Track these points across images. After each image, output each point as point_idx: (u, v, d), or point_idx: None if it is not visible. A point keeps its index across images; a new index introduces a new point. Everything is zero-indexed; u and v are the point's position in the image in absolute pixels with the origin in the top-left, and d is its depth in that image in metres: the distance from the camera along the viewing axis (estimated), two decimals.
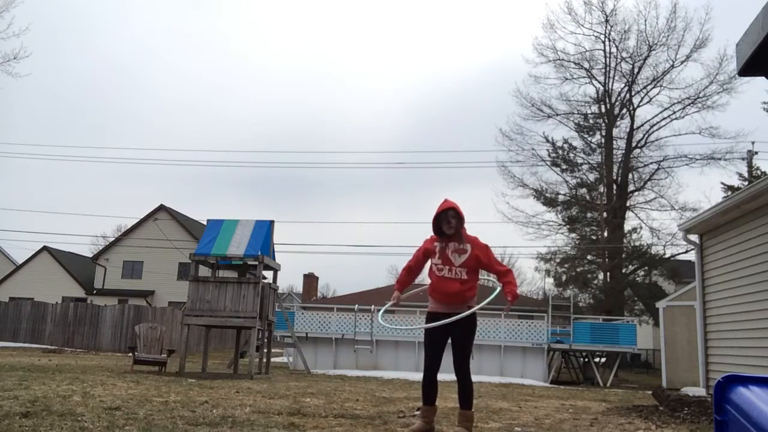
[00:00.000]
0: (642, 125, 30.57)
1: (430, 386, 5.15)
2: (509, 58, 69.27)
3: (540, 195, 30.85)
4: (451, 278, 4.99)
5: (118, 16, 74.88)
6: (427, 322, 5.06)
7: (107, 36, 76.65)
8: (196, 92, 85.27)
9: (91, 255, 42.99)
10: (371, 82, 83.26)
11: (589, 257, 30.25)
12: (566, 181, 31.09)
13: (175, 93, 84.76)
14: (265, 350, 14.11)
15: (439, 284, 5.01)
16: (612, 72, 30.58)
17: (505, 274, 5.16)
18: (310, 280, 39.12)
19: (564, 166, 30.85)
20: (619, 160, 30.55)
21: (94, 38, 76.21)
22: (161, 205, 38.89)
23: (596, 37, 30.62)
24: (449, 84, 76.53)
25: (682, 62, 29.35)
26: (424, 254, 5.17)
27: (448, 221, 5.04)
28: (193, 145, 78.25)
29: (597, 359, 20.45)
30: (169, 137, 75.96)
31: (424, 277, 5.59)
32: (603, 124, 30.83)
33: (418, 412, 6.28)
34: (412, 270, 5.27)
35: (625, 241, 29.30)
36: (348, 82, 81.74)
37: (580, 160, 30.90)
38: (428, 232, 5.22)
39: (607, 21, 30.25)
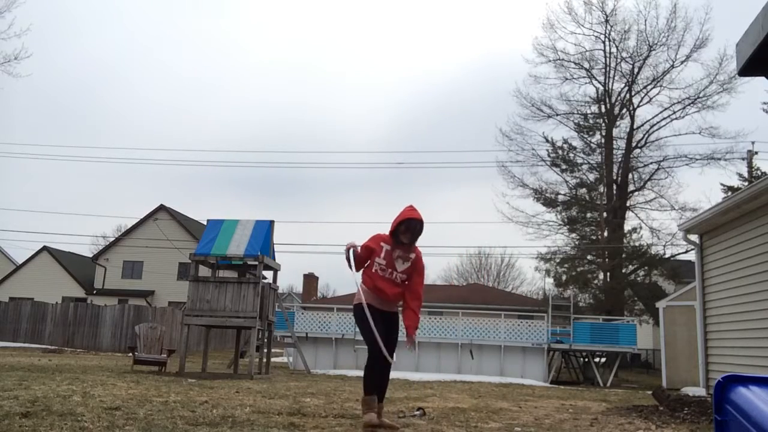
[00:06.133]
0: (642, 125, 30.61)
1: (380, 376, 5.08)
2: (506, 57, 69.28)
3: (540, 195, 30.90)
4: (391, 281, 5.05)
5: (111, 16, 74.90)
6: (368, 312, 4.93)
7: (102, 36, 76.68)
8: (195, 92, 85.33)
9: (91, 255, 42.98)
10: (368, 79, 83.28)
11: (589, 257, 30.26)
12: (566, 181, 31.15)
13: (173, 93, 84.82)
14: (265, 350, 14.11)
15: (381, 284, 5.03)
16: (612, 72, 30.62)
17: (418, 298, 5.15)
18: (310, 280, 39.14)
19: (564, 166, 30.87)
20: (619, 160, 30.56)
21: (89, 39, 76.25)
22: (161, 205, 38.87)
23: (596, 37, 30.67)
24: (447, 81, 76.54)
25: (682, 62, 29.40)
26: (366, 252, 5.10)
27: (412, 233, 5.06)
28: (192, 145, 78.29)
29: (597, 359, 20.46)
30: (168, 137, 75.97)
31: None
32: (603, 124, 30.84)
33: (418, 412, 6.29)
34: (362, 260, 5.16)
35: (625, 241, 29.30)
36: (346, 80, 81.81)
37: (580, 160, 30.95)
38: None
39: (607, 21, 30.28)
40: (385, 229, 5.21)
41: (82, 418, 4.81)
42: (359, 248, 5.09)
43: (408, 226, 5.03)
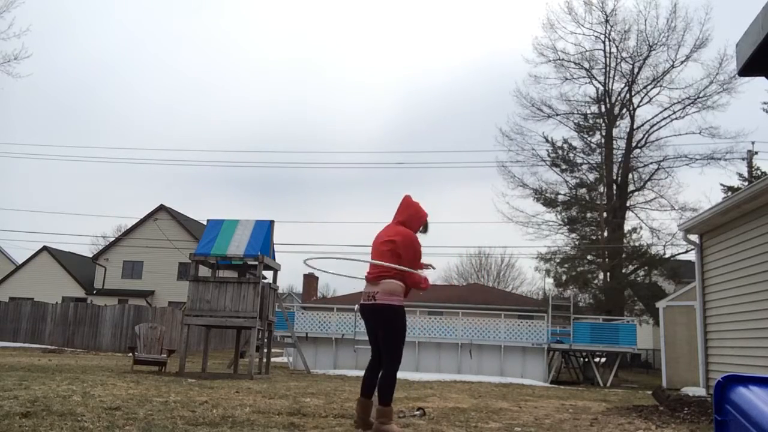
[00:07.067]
0: (642, 125, 30.62)
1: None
2: (506, 56, 69.24)
3: (540, 195, 30.90)
4: None
5: (111, 16, 74.89)
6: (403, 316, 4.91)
7: (102, 36, 76.68)
8: (195, 92, 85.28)
9: (91, 255, 42.97)
10: (368, 79, 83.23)
11: (589, 257, 30.25)
12: (566, 181, 31.16)
13: (173, 93, 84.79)
14: (265, 350, 14.11)
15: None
16: (612, 72, 30.62)
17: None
18: (310, 280, 39.07)
19: (564, 166, 30.87)
20: (619, 160, 30.57)
21: (89, 38, 76.24)
22: (161, 205, 38.87)
23: (596, 37, 30.69)
24: (447, 81, 76.50)
25: (682, 62, 29.42)
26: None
27: (425, 229, 5.16)
28: (192, 145, 78.27)
29: (597, 359, 20.45)
30: (168, 137, 75.94)
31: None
32: (603, 124, 30.84)
33: (418, 412, 6.29)
34: None
35: (625, 241, 29.30)
36: (346, 80, 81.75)
37: (579, 160, 30.95)
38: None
39: (607, 21, 30.28)
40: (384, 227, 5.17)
41: (82, 418, 4.81)
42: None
43: (425, 226, 5.17)
